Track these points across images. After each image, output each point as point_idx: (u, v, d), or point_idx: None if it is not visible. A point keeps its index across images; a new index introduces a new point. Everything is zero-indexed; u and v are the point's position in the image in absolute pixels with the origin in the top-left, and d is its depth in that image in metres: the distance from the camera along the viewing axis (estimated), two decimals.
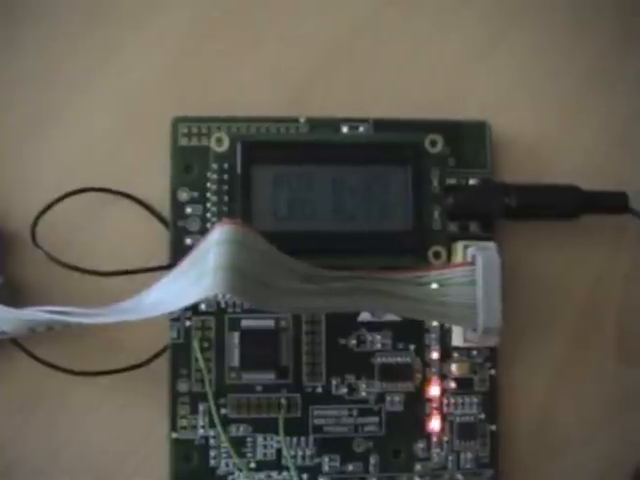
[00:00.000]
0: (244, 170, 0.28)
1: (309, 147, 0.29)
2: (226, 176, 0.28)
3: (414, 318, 0.28)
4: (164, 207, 0.29)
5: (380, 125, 0.30)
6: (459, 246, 0.29)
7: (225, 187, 0.28)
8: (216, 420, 0.28)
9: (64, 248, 0.29)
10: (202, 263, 0.24)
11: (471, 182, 0.30)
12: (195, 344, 0.28)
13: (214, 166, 0.28)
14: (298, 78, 0.30)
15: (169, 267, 0.27)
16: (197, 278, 0.24)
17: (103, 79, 0.30)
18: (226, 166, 0.28)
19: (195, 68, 0.30)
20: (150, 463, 0.29)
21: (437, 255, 0.29)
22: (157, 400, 0.29)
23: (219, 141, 0.28)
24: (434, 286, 0.28)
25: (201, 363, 0.28)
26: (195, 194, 0.29)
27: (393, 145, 0.29)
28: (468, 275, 0.28)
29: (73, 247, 0.29)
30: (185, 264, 0.25)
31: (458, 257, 0.29)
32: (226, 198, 0.28)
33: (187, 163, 0.29)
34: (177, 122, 0.29)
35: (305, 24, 0.30)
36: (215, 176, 0.28)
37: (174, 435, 0.29)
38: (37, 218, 0.28)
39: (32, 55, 0.30)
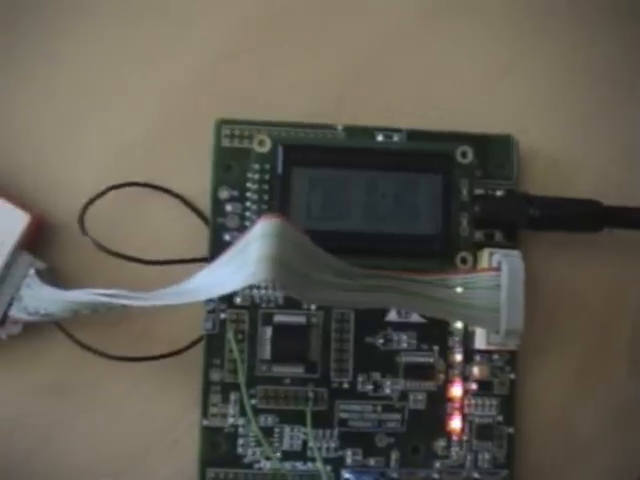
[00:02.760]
0: (284, 171, 0.30)
1: (346, 152, 0.30)
2: (266, 176, 0.30)
3: (439, 318, 0.29)
4: (203, 204, 0.31)
5: (413, 135, 0.31)
6: (485, 253, 0.30)
7: (264, 187, 0.30)
8: (248, 409, 0.29)
9: (106, 240, 0.30)
10: (245, 253, 0.25)
11: (497, 193, 0.31)
12: (230, 336, 0.30)
13: (255, 166, 0.30)
14: (336, 88, 0.32)
15: (210, 259, 0.29)
16: (240, 267, 0.25)
17: (152, 77, 0.31)
18: (267, 167, 0.30)
19: (239, 73, 0.32)
20: (180, 449, 0.30)
21: (464, 260, 0.30)
22: (189, 388, 0.30)
23: (261, 143, 0.30)
24: (460, 289, 0.29)
25: (236, 354, 0.29)
26: (235, 193, 0.31)
27: (426, 154, 0.30)
28: (493, 280, 0.29)
29: (114, 239, 0.30)
30: (228, 254, 0.26)
31: (484, 263, 0.30)
32: (265, 197, 0.30)
33: (228, 163, 0.31)
34: (220, 124, 0.31)
35: (344, 38, 0.32)
36: (256, 176, 0.30)
37: (205, 422, 0.30)
38: (85, 207, 0.30)
39: (85, 48, 0.32)
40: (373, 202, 0.30)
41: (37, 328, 0.30)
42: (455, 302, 0.29)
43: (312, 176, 0.30)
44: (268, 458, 0.30)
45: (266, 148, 0.30)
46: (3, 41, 0.31)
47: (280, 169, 0.30)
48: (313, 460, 0.30)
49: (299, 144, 0.30)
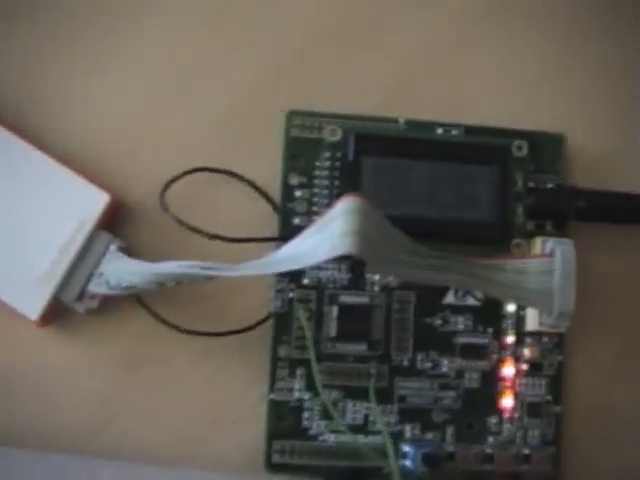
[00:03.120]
0: (354, 159, 0.32)
1: (411, 143, 0.32)
2: (336, 164, 0.32)
3: (497, 298, 0.32)
4: (272, 191, 0.33)
5: (470, 130, 0.33)
6: (537, 241, 0.32)
7: (334, 173, 0.32)
8: (318, 383, 0.31)
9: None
10: (329, 228, 0.27)
11: (548, 186, 0.33)
12: (301, 314, 0.31)
13: (326, 154, 0.32)
14: (398, 83, 0.34)
15: (284, 239, 0.31)
16: (325, 240, 0.27)
17: (229, 67, 0.33)
18: (337, 155, 0.32)
19: (308, 67, 0.34)
20: (247, 422, 0.32)
21: (518, 246, 0.32)
22: (257, 364, 0.32)
23: (333, 132, 0.32)
24: (515, 273, 0.31)
25: (307, 331, 0.31)
26: (303, 179, 0.32)
27: (484, 147, 0.32)
28: (547, 265, 0.31)
29: (187, 221, 0.32)
30: (312, 229, 0.28)
31: (536, 250, 0.32)
32: (334, 183, 0.32)
33: (297, 152, 0.32)
34: (292, 115, 0.33)
35: (409, 38, 0.34)
36: (326, 163, 0.32)
37: (272, 396, 0.32)
38: (166, 187, 0.31)
39: (167, 37, 0.33)
40: (435, 190, 0.32)
41: (113, 303, 0.32)
42: (512, 285, 0.31)
43: (379, 164, 0.32)
44: (334, 431, 0.32)
45: (337, 137, 0.32)
46: (92, 26, 0.33)
47: (351, 156, 0.32)
48: (374, 433, 0.32)
49: (368, 134, 0.32)
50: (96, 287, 0.31)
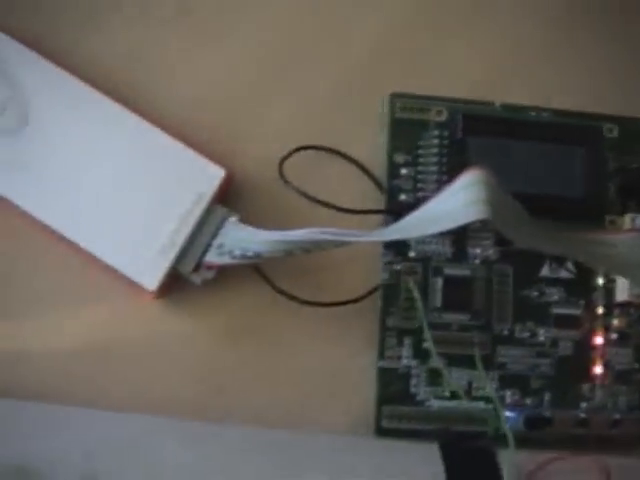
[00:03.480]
0: (462, 138, 0.34)
1: (511, 124, 0.34)
2: (444, 142, 0.34)
3: (594, 267, 0.34)
4: (376, 170, 0.34)
5: (562, 113, 0.35)
6: (627, 218, 0.34)
7: (442, 151, 0.34)
8: (432, 348, 0.32)
9: (285, 197, 0.33)
10: (458, 198, 0.29)
11: (634, 166, 0.35)
12: (412, 285, 0.33)
13: (433, 133, 0.34)
14: (494, 67, 0.36)
15: (395, 213, 0.33)
16: (456, 208, 0.29)
17: (335, 46, 0.35)
18: (445, 134, 0.34)
19: (411, 49, 0.35)
20: (356, 389, 0.33)
21: (611, 222, 0.34)
22: (365, 333, 0.33)
23: (439, 113, 0.34)
24: (610, 246, 0.33)
25: (418, 302, 0.33)
26: (408, 158, 0.34)
27: (578, 127, 0.35)
28: (638, 238, 0.33)
29: (292, 197, 0.33)
30: (441, 197, 0.29)
31: (627, 226, 0.34)
32: (439, 161, 0.34)
33: (401, 132, 0.34)
34: (394, 97, 0.34)
35: (502, 21, 0.36)
36: (434, 141, 0.34)
37: (381, 364, 0.33)
38: (283, 160, 0.33)
39: (276, 16, 0.35)
40: (532, 169, 0.34)
41: (228, 274, 0.33)
42: (606, 257, 0.33)
43: (483, 144, 0.34)
44: (439, 396, 0.33)
45: (443, 117, 0.34)
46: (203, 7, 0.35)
47: (459, 135, 0.33)
48: (477, 399, 0.33)
49: (474, 114, 0.34)
50: (216, 258, 0.32)
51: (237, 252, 0.32)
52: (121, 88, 0.34)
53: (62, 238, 0.33)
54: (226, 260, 0.32)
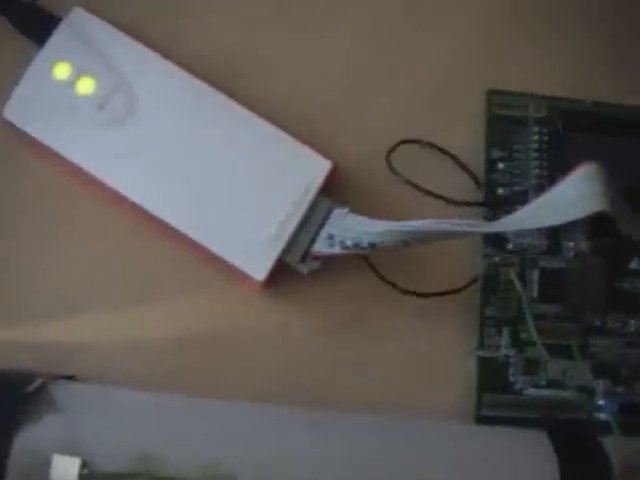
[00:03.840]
0: (562, 134, 0.35)
1: (608, 121, 0.35)
2: (541, 138, 0.35)
3: None
4: (473, 165, 0.35)
5: None
6: None
7: (538, 146, 0.35)
8: (534, 336, 0.33)
9: (384, 189, 0.34)
10: (579, 189, 0.30)
11: None
12: (513, 277, 0.34)
13: (534, 129, 0.35)
14: (584, 65, 0.36)
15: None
16: (576, 200, 0.29)
17: (435, 44, 0.36)
18: (545, 130, 0.35)
19: (506, 47, 0.36)
20: (456, 377, 0.34)
21: None
22: (465, 322, 0.34)
23: (538, 109, 0.35)
24: None
25: (521, 293, 0.34)
26: (505, 153, 0.35)
27: None
28: None
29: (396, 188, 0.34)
30: (558, 189, 0.30)
31: None
32: (538, 155, 0.35)
33: (498, 128, 0.35)
34: (491, 93, 0.35)
35: (588, 20, 0.37)
36: (533, 137, 0.35)
37: (480, 353, 0.34)
38: (388, 153, 0.34)
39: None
40: (629, 164, 0.35)
41: (333, 264, 0.33)
42: None
43: (581, 139, 0.35)
44: (536, 385, 0.34)
45: (543, 114, 0.35)
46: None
47: (560, 131, 0.35)
48: (572, 388, 0.34)
49: (574, 111, 0.35)
50: (326, 248, 0.33)
51: (349, 242, 0.32)
52: (223, 79, 0.34)
53: (170, 228, 0.33)
54: (337, 250, 0.32)
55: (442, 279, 0.34)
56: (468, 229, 0.31)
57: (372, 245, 0.32)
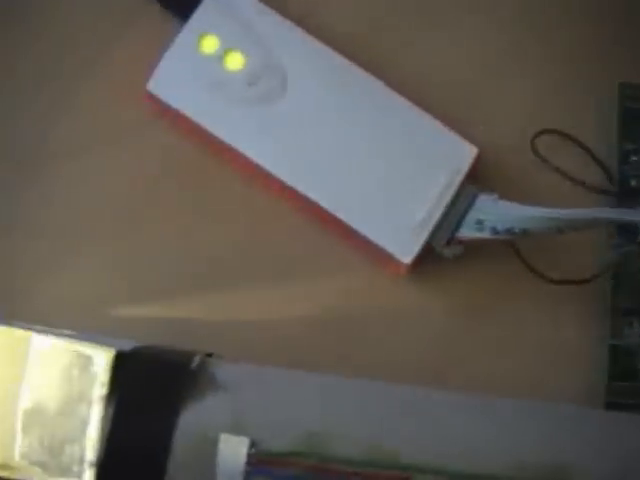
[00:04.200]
0: None
1: None
2: None
3: None
4: (605, 155, 0.36)
5: None
6: None
7: None
8: None
9: (508, 178, 0.35)
10: None
11: None
12: None
13: None
14: None
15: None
16: None
17: (571, 36, 0.36)
18: None
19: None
20: (586, 364, 0.34)
21: None
22: (596, 311, 0.35)
23: None
24: None
25: None
26: (637, 146, 0.36)
27: None
28: None
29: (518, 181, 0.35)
30: None
31: None
32: None
33: (630, 120, 0.36)
34: (623, 87, 0.36)
35: None
36: None
37: (612, 342, 0.35)
38: (533, 139, 0.34)
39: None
40: None
41: (476, 248, 0.34)
42: None
43: None
44: None
45: None
46: None
47: None
48: None
49: None
50: (475, 233, 0.33)
51: (500, 228, 0.32)
52: (368, 60, 0.34)
53: (317, 208, 0.33)
54: (486, 235, 0.33)
55: (573, 268, 0.35)
56: (629, 218, 0.31)
57: (524, 231, 0.32)
